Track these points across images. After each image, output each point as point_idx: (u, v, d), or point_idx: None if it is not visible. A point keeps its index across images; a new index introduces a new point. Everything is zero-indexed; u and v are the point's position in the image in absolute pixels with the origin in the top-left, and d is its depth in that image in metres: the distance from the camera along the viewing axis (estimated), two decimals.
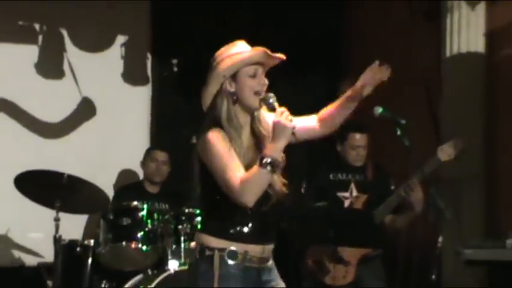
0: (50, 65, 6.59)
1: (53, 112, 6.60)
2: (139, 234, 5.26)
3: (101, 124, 6.75)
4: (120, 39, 6.82)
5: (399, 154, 4.81)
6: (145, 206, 5.36)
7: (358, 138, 5.54)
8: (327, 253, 5.30)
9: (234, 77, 3.41)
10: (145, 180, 6.23)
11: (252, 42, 3.48)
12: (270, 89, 3.46)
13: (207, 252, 3.43)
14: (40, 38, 6.54)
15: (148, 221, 5.31)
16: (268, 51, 3.42)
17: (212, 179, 3.39)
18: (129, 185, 6.32)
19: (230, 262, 3.41)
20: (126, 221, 5.28)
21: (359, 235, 5.10)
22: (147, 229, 5.28)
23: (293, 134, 3.32)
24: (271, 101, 3.39)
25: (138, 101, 6.89)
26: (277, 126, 3.30)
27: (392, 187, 5.55)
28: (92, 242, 5.43)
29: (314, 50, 7.15)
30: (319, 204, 5.43)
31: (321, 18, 7.22)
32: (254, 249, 3.46)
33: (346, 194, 5.53)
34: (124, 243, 5.25)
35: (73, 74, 6.63)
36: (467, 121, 5.96)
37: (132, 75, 6.89)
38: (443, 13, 6.18)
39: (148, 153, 6.25)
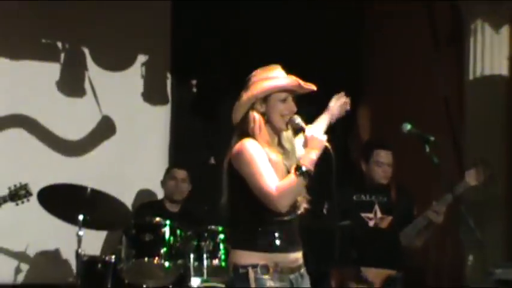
0: (71, 83, 6.62)
1: (74, 130, 6.63)
2: (162, 250, 5.26)
3: (121, 143, 6.78)
4: (141, 58, 6.87)
5: (422, 175, 4.82)
6: (167, 223, 5.36)
7: (383, 155, 5.54)
8: (350, 274, 5.28)
9: (265, 99, 3.63)
10: (166, 199, 6.25)
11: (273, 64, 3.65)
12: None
13: (241, 270, 3.56)
14: (62, 56, 6.59)
15: (171, 237, 5.31)
16: (302, 82, 3.66)
17: (242, 190, 3.54)
18: (149, 203, 6.33)
19: (264, 277, 3.54)
20: (148, 236, 5.27)
21: (383, 255, 5.09)
22: (169, 245, 5.28)
23: (327, 147, 3.54)
24: (297, 121, 3.64)
25: (157, 121, 6.92)
26: (311, 139, 3.56)
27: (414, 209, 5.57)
28: (112, 258, 5.43)
29: (335, 72, 7.11)
30: (342, 223, 5.37)
31: (343, 41, 7.27)
32: (284, 259, 3.59)
33: (370, 215, 5.50)
34: (147, 259, 5.23)
35: (94, 92, 6.67)
36: (490, 145, 5.97)
37: (151, 94, 6.92)
38: (466, 36, 6.20)
39: (168, 172, 6.30)
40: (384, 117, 7.10)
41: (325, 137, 3.57)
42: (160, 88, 7.00)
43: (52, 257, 6.27)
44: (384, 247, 5.10)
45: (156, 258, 5.23)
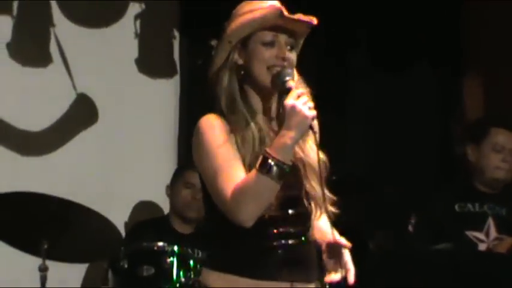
0: (30, 47, 6.64)
1: (35, 115, 6.63)
2: None
3: (105, 135, 6.82)
4: (134, 8, 6.92)
5: None
6: (175, 249, 5.37)
7: (505, 137, 5.61)
8: None
9: (244, 44, 3.61)
10: (173, 216, 6.27)
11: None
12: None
13: None
14: (15, 5, 6.59)
15: (181, 271, 5.32)
16: (284, 11, 3.53)
17: None
18: (148, 222, 6.34)
19: None
20: (147, 270, 5.31)
21: None
22: (178, 282, 5.31)
23: (311, 129, 3.45)
24: (286, 78, 3.55)
25: (160, 101, 6.97)
26: (290, 112, 3.44)
27: None
28: None
29: (433, 38, 7.40)
30: (438, 247, 5.40)
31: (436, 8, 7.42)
32: None
33: (481, 235, 5.58)
34: None
35: (64, 59, 6.69)
36: None
37: (151, 62, 6.98)
38: None
39: (178, 175, 6.30)
40: (500, 92, 7.19)
41: (312, 112, 3.45)
42: (164, 53, 7.06)
43: None
44: (502, 282, 4.97)
45: None
